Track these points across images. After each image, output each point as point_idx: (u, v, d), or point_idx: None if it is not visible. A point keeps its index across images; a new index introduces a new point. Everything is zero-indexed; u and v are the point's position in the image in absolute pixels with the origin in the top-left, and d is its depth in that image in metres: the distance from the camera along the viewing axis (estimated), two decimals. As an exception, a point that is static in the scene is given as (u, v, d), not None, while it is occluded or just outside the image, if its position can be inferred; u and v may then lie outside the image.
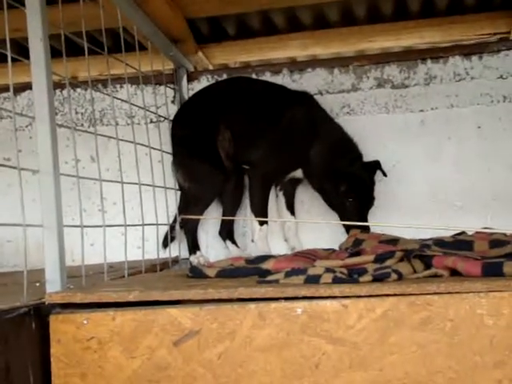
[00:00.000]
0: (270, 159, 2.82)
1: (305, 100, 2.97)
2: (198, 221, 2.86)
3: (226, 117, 2.87)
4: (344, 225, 2.77)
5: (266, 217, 2.81)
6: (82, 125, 3.29)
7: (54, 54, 1.97)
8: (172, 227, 2.91)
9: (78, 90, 3.31)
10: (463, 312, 1.51)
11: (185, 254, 2.90)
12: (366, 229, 2.65)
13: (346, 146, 2.87)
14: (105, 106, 3.29)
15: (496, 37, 3.09)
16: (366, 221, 2.77)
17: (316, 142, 2.84)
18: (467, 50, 3.03)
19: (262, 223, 2.79)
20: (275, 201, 2.99)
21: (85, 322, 1.63)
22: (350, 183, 2.77)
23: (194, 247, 2.85)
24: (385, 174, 2.84)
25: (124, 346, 1.62)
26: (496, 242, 2.01)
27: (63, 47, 2.05)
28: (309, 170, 2.88)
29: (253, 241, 2.83)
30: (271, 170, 2.84)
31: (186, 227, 2.85)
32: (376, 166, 2.83)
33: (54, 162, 1.82)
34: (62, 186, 1.85)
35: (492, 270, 1.64)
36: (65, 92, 3.27)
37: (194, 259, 2.79)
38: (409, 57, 3.10)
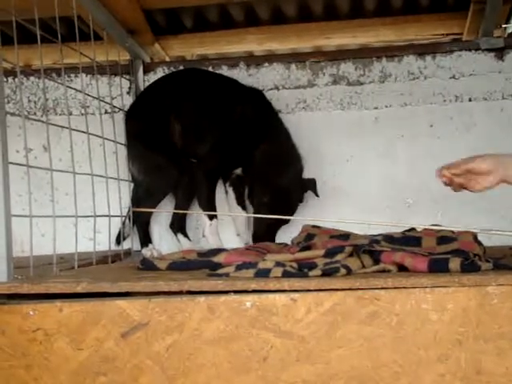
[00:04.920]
0: (214, 155, 2.80)
1: (256, 98, 2.95)
2: (150, 214, 2.84)
3: (176, 108, 2.84)
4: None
5: (215, 211, 2.80)
6: (35, 113, 3.23)
7: (8, 41, 1.93)
8: (124, 222, 2.89)
9: (32, 78, 3.24)
10: (409, 307, 1.53)
11: (137, 246, 2.87)
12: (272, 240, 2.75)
13: (289, 155, 2.89)
14: (58, 96, 3.23)
15: (449, 37, 3.16)
16: (274, 236, 2.84)
17: (262, 143, 2.83)
18: (421, 50, 3.07)
19: (211, 218, 2.77)
20: (225, 197, 2.97)
21: (31, 312, 1.61)
22: (276, 199, 2.79)
23: (146, 240, 2.84)
24: (317, 195, 2.89)
25: (71, 337, 1.60)
26: (443, 238, 2.04)
27: (14, 34, 2.01)
28: (248, 170, 2.87)
29: (204, 236, 2.82)
30: (214, 166, 2.81)
31: (138, 220, 2.83)
32: (311, 184, 2.88)
33: (2, 150, 1.77)
34: (12, 176, 1.81)
35: (438, 266, 1.67)
36: (18, 80, 3.21)
37: (146, 252, 2.78)
38: (364, 54, 3.12)
